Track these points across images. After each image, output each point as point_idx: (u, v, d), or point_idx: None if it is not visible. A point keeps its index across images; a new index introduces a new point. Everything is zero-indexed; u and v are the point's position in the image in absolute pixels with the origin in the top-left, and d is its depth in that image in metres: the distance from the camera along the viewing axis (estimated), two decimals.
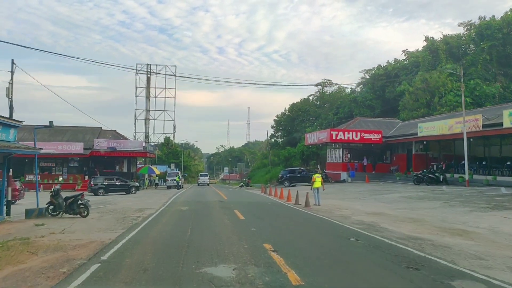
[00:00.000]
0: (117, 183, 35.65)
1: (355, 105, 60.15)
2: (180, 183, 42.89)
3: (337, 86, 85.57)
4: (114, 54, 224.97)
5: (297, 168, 40.86)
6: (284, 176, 39.28)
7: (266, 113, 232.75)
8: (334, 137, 38.66)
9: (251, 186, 53.10)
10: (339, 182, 39.33)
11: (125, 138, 46.15)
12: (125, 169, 45.37)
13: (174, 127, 54.67)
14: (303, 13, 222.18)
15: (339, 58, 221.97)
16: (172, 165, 78.28)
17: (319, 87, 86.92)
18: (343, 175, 40.17)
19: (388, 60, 69.84)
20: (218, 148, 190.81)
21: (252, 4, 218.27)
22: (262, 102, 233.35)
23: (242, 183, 54.69)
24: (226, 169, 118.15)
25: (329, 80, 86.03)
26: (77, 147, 42.09)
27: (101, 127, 47.60)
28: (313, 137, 43.27)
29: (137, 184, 37.48)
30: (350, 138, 38.76)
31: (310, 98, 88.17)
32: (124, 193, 35.44)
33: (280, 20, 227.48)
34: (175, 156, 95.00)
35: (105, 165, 45.29)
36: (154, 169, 45.28)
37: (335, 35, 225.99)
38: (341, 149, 41.16)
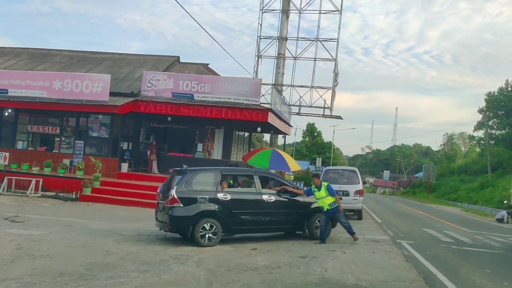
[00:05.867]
0: (270, 198, 9.27)
1: None
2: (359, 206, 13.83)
3: None
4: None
5: None
6: None
7: (412, 117, 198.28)
8: None
9: None
10: None
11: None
12: (218, 154, 18.03)
13: (335, 75, 25.38)
14: (462, 11, 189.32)
15: (501, 60, 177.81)
16: (318, 161, 50.42)
17: None
18: None
19: None
20: (363, 149, 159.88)
21: (404, 3, 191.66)
22: (408, 105, 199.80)
23: None
24: (387, 172, 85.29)
25: None
26: (95, 86, 16.20)
27: (178, 57, 21.33)
28: None
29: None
30: None
31: None
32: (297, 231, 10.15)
33: (434, 19, 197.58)
34: (320, 149, 67.21)
35: (173, 140, 18.79)
36: (288, 159, 16.78)
37: (498, 34, 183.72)
38: None
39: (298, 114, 26.04)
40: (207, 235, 8.47)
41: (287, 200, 9.44)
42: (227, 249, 8.31)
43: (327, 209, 9.28)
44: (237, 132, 19.99)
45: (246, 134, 22.55)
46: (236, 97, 16.51)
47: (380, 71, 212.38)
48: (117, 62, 20.34)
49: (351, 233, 9.53)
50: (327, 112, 25.30)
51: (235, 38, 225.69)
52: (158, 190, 9.52)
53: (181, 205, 8.44)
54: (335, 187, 12.12)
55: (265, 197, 9.16)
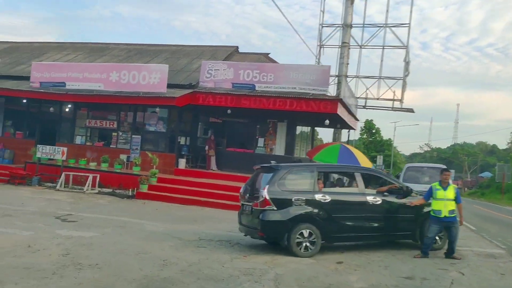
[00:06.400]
0: (376, 200, 7.91)
1: None
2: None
3: None
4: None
5: None
6: None
7: (474, 113, 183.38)
8: None
9: None
10: None
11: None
12: (280, 149, 16.56)
13: (407, 63, 23.05)
14: None
15: None
16: (378, 159, 47.72)
17: None
18: None
19: None
20: (422, 147, 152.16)
21: None
22: (469, 102, 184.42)
23: None
24: (452, 171, 78.73)
25: None
26: (152, 77, 15.31)
27: (237, 47, 20.11)
28: None
29: None
30: None
31: None
32: None
33: (498, 10, 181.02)
34: (378, 147, 63.81)
35: (232, 134, 17.62)
36: (358, 155, 14.96)
37: None
38: None
39: (364, 107, 23.88)
40: (304, 244, 7.07)
41: (395, 202, 7.84)
42: (307, 262, 6.78)
43: (444, 215, 7.34)
44: (299, 127, 18.41)
45: (307, 128, 20.89)
46: (301, 86, 14.91)
47: (439, 66, 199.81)
48: (175, 53, 19.48)
49: (453, 251, 7.56)
50: (396, 104, 22.96)
51: (287, 36, 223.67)
52: (241, 190, 8.23)
53: (275, 208, 7.09)
54: (416, 187, 10.17)
55: (369, 198, 7.64)
